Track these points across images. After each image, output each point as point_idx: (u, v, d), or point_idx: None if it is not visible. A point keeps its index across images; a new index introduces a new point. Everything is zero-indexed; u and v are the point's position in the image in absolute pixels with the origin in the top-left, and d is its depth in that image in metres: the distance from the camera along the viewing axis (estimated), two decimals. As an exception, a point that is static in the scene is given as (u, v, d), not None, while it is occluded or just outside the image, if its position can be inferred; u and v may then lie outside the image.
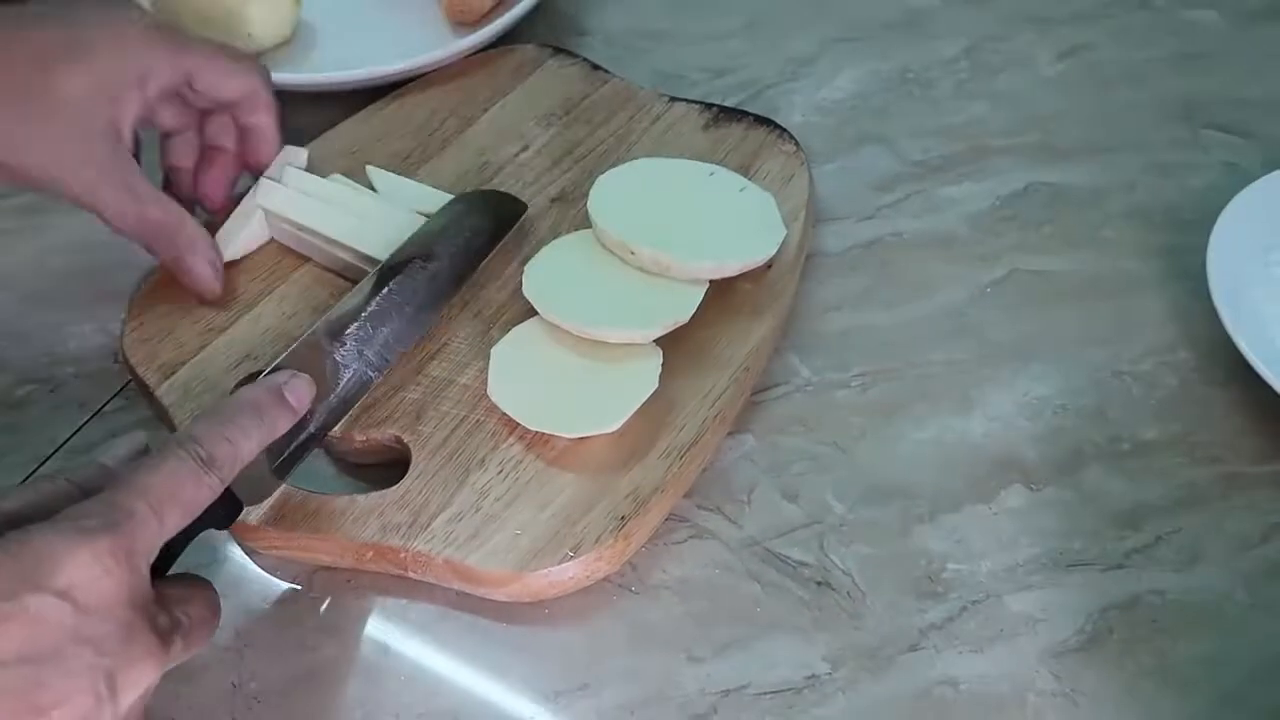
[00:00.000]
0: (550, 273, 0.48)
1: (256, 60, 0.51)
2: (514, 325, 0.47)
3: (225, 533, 0.43)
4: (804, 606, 0.42)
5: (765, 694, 0.40)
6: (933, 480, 0.46)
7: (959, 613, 0.42)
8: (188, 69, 0.47)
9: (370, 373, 0.45)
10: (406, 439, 0.44)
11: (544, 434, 0.44)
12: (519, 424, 0.44)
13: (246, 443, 0.36)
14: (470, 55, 0.62)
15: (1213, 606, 0.42)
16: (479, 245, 0.50)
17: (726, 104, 0.60)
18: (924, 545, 0.44)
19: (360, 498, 0.42)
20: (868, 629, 0.41)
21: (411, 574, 0.42)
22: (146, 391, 0.47)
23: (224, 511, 0.38)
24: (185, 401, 0.46)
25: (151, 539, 0.32)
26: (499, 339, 0.47)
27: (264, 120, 0.51)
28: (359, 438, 0.45)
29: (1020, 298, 0.52)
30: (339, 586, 0.43)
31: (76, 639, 0.29)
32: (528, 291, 0.47)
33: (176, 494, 0.33)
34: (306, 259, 0.51)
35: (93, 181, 0.45)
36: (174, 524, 0.33)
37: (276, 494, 0.42)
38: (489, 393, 0.45)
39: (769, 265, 0.50)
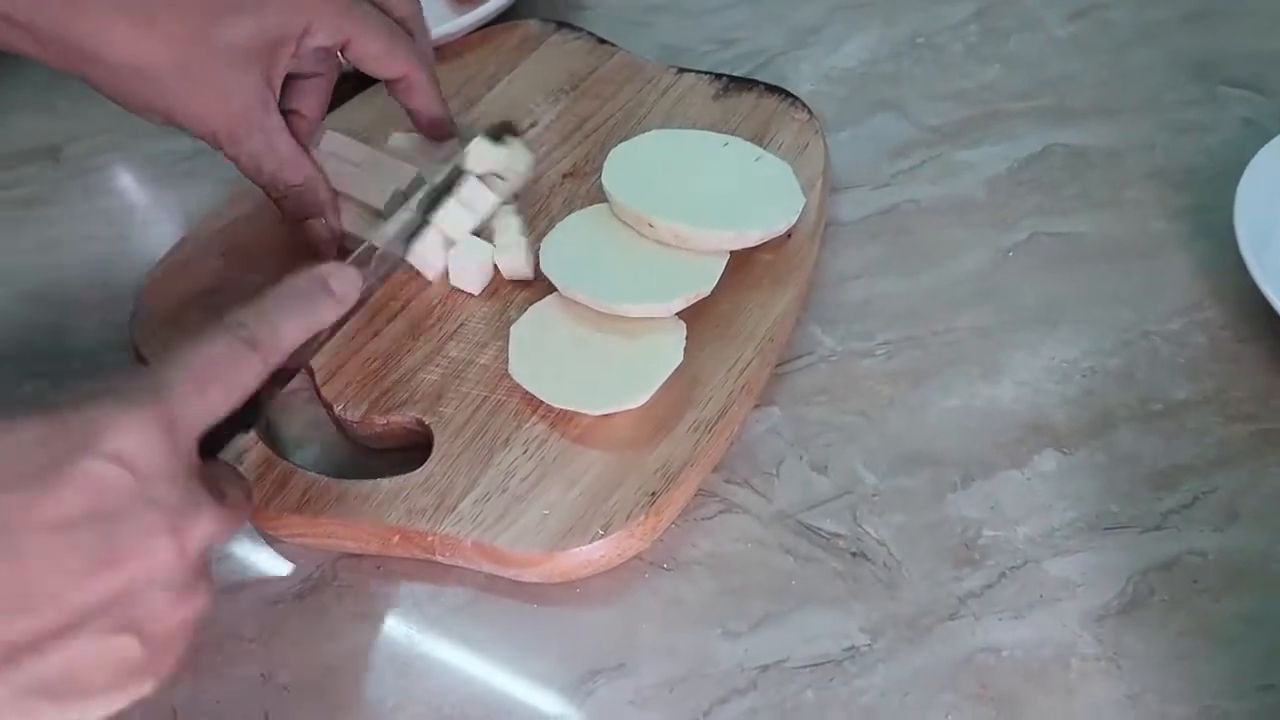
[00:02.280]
0: (567, 249, 0.47)
1: (416, 39, 0.49)
2: (531, 303, 0.47)
3: (250, 523, 0.42)
4: (839, 578, 0.41)
5: (805, 667, 0.39)
6: (963, 447, 0.45)
7: (997, 579, 0.41)
8: (347, 34, 0.46)
9: (376, 284, 0.45)
10: (428, 421, 0.44)
11: (568, 412, 0.43)
12: (542, 402, 0.43)
13: (289, 327, 0.36)
14: (473, 32, 0.61)
15: (1254, 564, 0.41)
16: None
17: (735, 74, 0.59)
18: (958, 512, 0.43)
19: (384, 482, 0.42)
20: (905, 599, 0.41)
21: (439, 558, 0.41)
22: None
23: (248, 416, 0.37)
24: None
25: (194, 412, 0.32)
26: (517, 318, 0.46)
27: (418, 104, 0.49)
28: (379, 421, 0.44)
29: (1043, 261, 0.52)
30: (366, 573, 0.42)
31: (137, 498, 0.30)
32: (545, 268, 0.46)
33: (219, 371, 0.33)
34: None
35: (237, 133, 0.45)
36: (217, 400, 0.33)
37: (298, 481, 0.41)
38: (510, 372, 0.44)
39: (789, 235, 0.49)
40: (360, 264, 0.42)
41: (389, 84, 0.49)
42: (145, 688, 0.31)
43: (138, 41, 0.42)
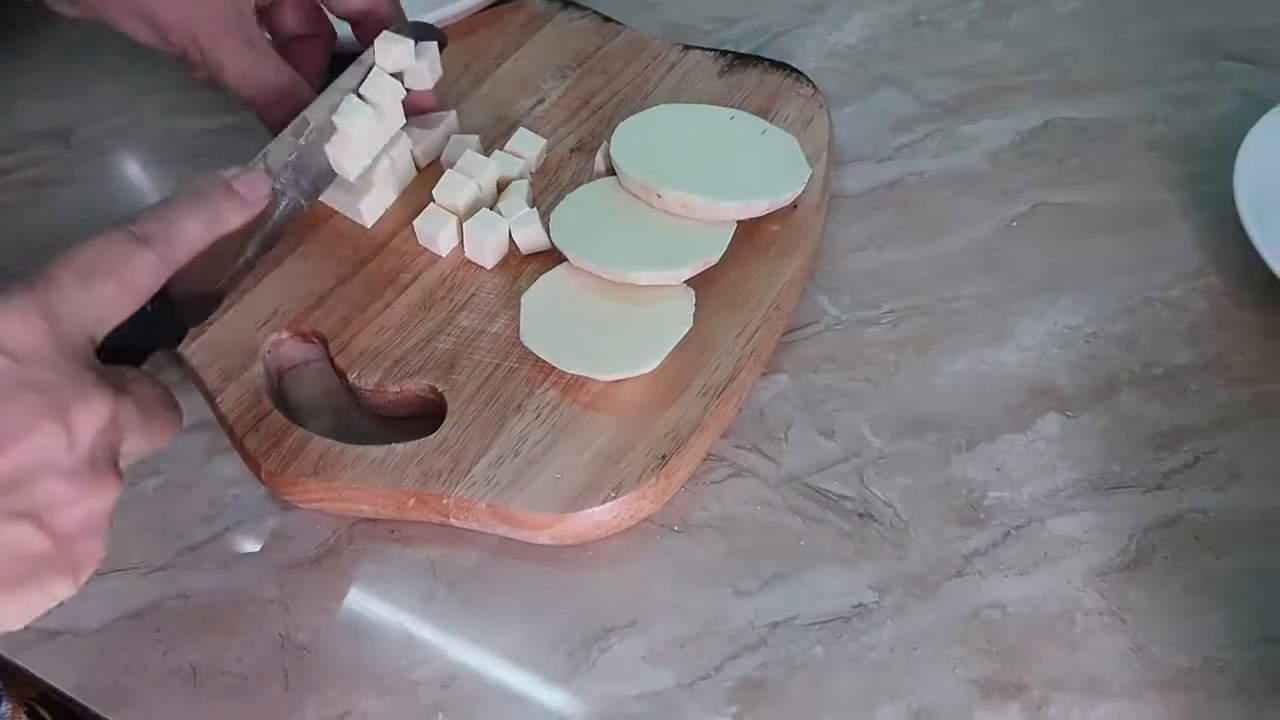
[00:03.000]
0: (577, 220, 0.48)
1: None
2: (541, 274, 0.47)
3: (267, 489, 0.43)
4: (847, 538, 0.42)
5: (814, 624, 0.40)
6: (969, 411, 0.46)
7: (1002, 538, 0.42)
8: None
9: (302, 201, 0.44)
10: (441, 388, 0.44)
11: (579, 378, 0.44)
12: (553, 369, 0.44)
13: (187, 223, 0.35)
14: (478, 12, 0.62)
15: (1254, 522, 0.42)
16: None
17: (740, 51, 0.59)
18: (964, 474, 0.44)
19: (399, 446, 0.42)
20: (912, 557, 0.41)
21: (454, 521, 0.42)
22: (174, 353, 0.47)
23: (169, 331, 0.37)
24: (214, 361, 0.45)
25: (78, 303, 0.31)
26: (527, 288, 0.47)
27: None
28: (392, 389, 0.45)
29: (1046, 231, 0.52)
30: (381, 538, 0.43)
31: (18, 383, 0.29)
32: (556, 239, 0.47)
33: (104, 263, 0.32)
34: (333, 213, 0.51)
35: (218, 36, 0.45)
36: (107, 294, 0.32)
37: (314, 446, 0.42)
38: (522, 338, 0.45)
39: (795, 205, 0.50)
40: (270, 169, 0.42)
41: (357, 27, 0.49)
42: (60, 588, 0.31)
43: None
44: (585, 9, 0.62)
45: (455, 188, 0.49)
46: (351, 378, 0.45)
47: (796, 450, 0.45)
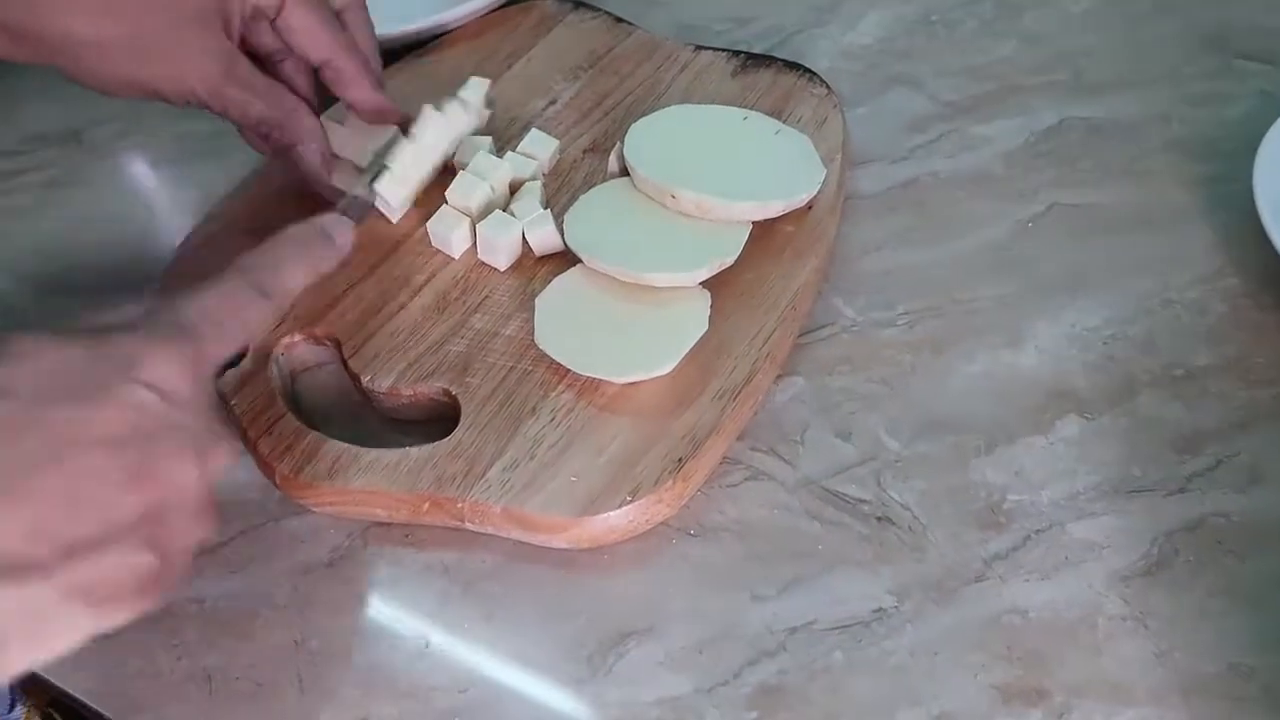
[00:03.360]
0: (591, 221, 0.47)
1: (351, 30, 0.50)
2: (554, 275, 0.47)
3: (280, 493, 0.43)
4: (865, 542, 0.42)
5: (833, 629, 0.39)
6: (987, 413, 0.45)
7: (1023, 542, 0.41)
8: None
9: None
10: (454, 391, 0.44)
11: (594, 380, 0.44)
12: (568, 371, 0.44)
13: (295, 273, 0.38)
14: (489, 13, 0.61)
15: (1278, 525, 0.41)
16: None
17: (753, 52, 0.59)
18: (982, 477, 0.43)
19: (413, 450, 0.42)
20: (931, 561, 0.41)
21: (469, 525, 0.42)
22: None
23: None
24: (228, 365, 0.45)
25: (215, 350, 0.34)
26: (541, 290, 0.46)
27: (349, 94, 0.50)
28: (406, 392, 0.45)
29: (1062, 232, 0.52)
30: (395, 542, 0.43)
31: (170, 424, 0.32)
32: (570, 241, 0.47)
33: (234, 312, 0.35)
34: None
35: (216, 86, 0.46)
36: (232, 339, 0.35)
37: (328, 450, 0.42)
38: (536, 340, 0.44)
39: (810, 206, 0.50)
40: (350, 214, 0.43)
41: (320, 73, 0.49)
42: (153, 603, 0.32)
43: (97, 18, 0.43)
44: (597, 10, 0.62)
45: (468, 189, 0.49)
46: (365, 381, 0.45)
47: (813, 453, 0.44)
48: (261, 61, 0.49)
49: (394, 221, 0.50)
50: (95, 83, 0.45)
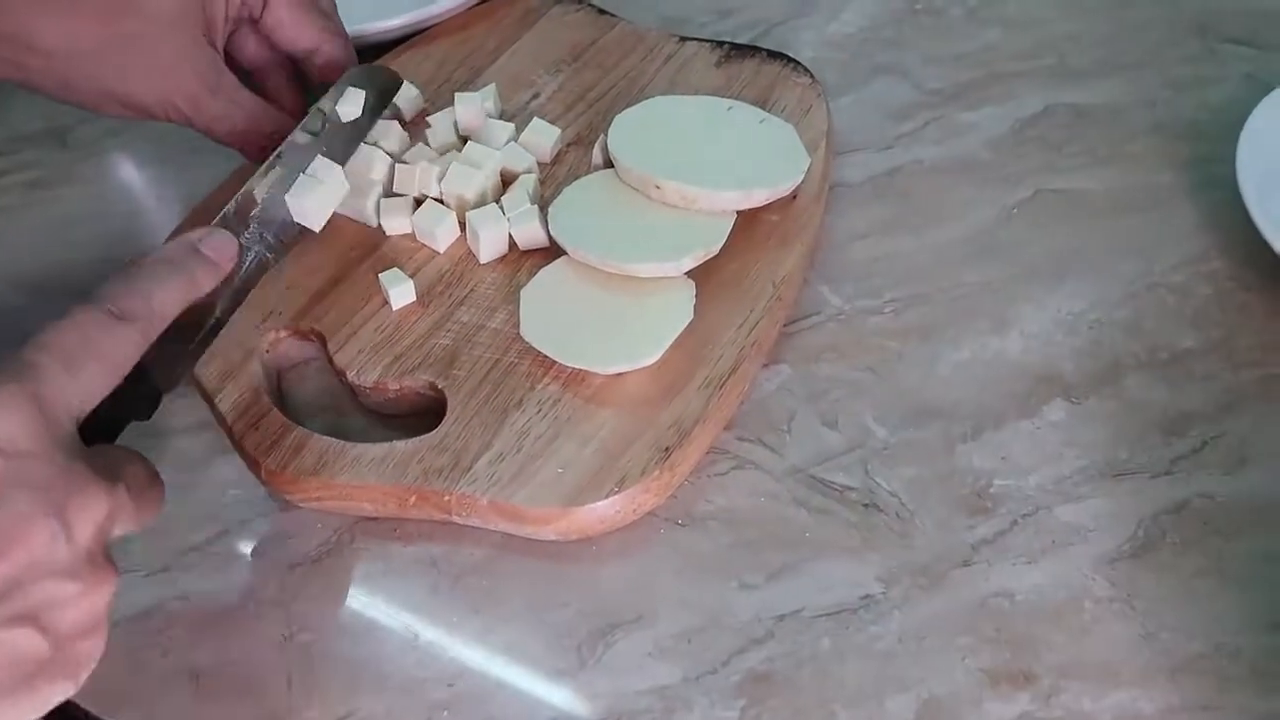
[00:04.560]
0: (575, 213, 0.47)
1: (336, 21, 0.49)
2: (540, 268, 0.47)
3: (267, 489, 0.43)
4: (853, 529, 0.42)
5: (821, 616, 0.39)
6: (973, 399, 0.45)
7: (1009, 527, 0.41)
8: None
9: (269, 255, 0.43)
10: (440, 384, 0.44)
11: (580, 372, 0.44)
12: (554, 363, 0.44)
13: (163, 295, 0.34)
14: (473, 7, 0.61)
15: (1263, 506, 0.41)
16: (363, 121, 0.49)
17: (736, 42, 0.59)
18: (969, 463, 0.43)
19: (399, 444, 0.42)
20: (919, 547, 0.41)
21: (456, 518, 0.41)
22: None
23: (144, 401, 0.36)
24: (212, 361, 0.45)
25: (63, 389, 0.31)
26: (526, 282, 0.46)
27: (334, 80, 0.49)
28: (392, 386, 0.44)
29: (1048, 217, 0.52)
30: (383, 536, 0.42)
31: (14, 482, 0.28)
32: (554, 232, 0.46)
33: (87, 347, 0.31)
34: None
35: (198, 97, 0.44)
36: (90, 377, 0.31)
37: (314, 445, 0.42)
38: (522, 333, 0.44)
39: (794, 195, 0.50)
40: (232, 224, 0.42)
41: (305, 64, 0.48)
42: (59, 691, 0.30)
43: (67, 24, 0.42)
44: (581, 3, 0.62)
45: (463, 179, 0.48)
46: (351, 375, 0.45)
47: (800, 441, 0.44)
48: (244, 77, 0.48)
49: (440, 252, 0.49)
50: (71, 96, 0.43)
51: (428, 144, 0.52)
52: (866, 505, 0.42)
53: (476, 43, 0.60)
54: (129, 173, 0.59)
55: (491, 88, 0.54)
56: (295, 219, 0.44)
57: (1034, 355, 0.46)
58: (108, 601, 0.31)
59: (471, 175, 0.49)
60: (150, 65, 0.43)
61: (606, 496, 0.40)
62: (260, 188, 0.44)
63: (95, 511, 0.30)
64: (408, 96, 0.54)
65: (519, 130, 0.52)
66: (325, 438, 0.42)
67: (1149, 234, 0.51)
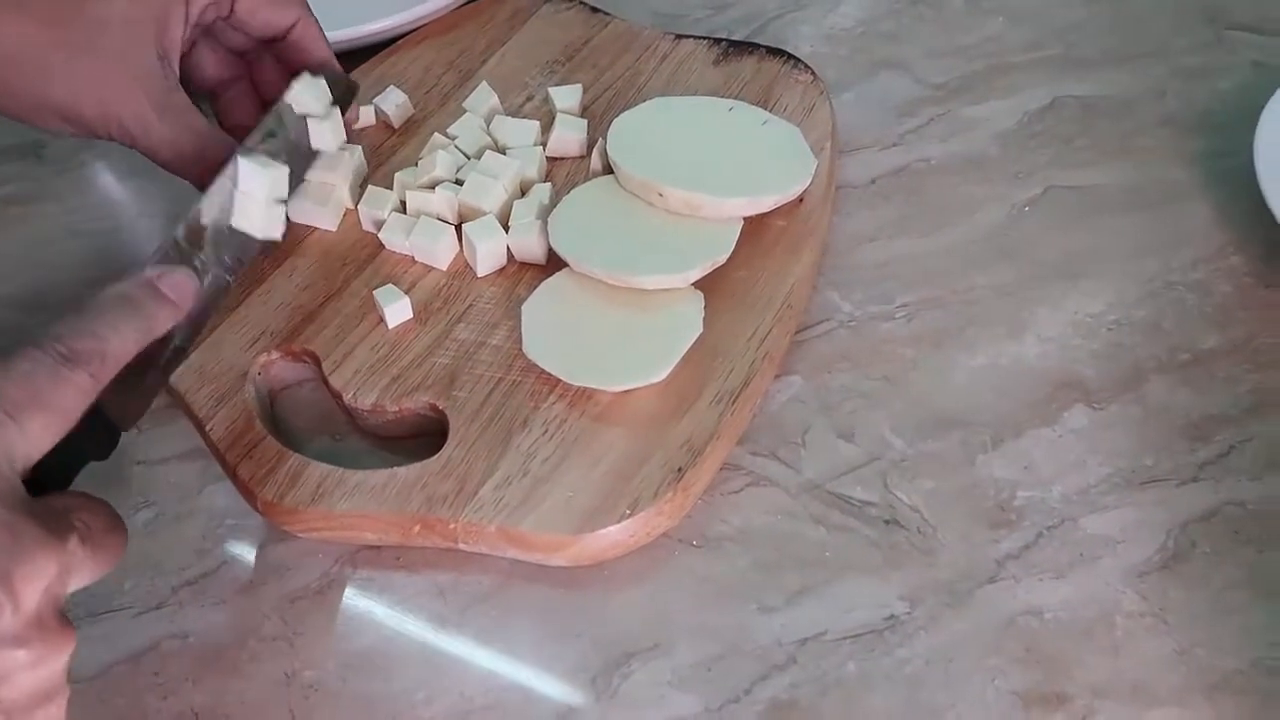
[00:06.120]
0: (576, 223, 0.46)
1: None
2: (540, 280, 0.45)
3: (263, 519, 0.41)
4: (874, 546, 0.40)
5: (845, 639, 0.38)
6: (992, 407, 0.44)
7: (1035, 540, 0.40)
8: None
9: (226, 276, 0.41)
10: (442, 406, 0.42)
11: (586, 389, 0.42)
12: (559, 381, 0.42)
13: (116, 338, 0.32)
14: (461, 6, 0.59)
15: (1295, 513, 0.40)
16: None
17: (734, 39, 0.57)
18: (991, 474, 0.42)
19: (401, 470, 0.40)
20: (943, 564, 0.40)
21: (462, 546, 0.40)
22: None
23: (101, 440, 0.35)
24: (202, 386, 0.43)
25: (8, 442, 0.29)
26: (526, 296, 0.45)
27: (316, 52, 0.46)
28: (391, 408, 0.43)
29: (1060, 214, 0.50)
30: (386, 565, 0.41)
31: None
32: (555, 244, 0.45)
33: (33, 394, 0.30)
34: (312, 229, 0.49)
35: (145, 116, 0.41)
36: (39, 427, 0.30)
37: (312, 473, 0.40)
38: (524, 350, 0.43)
39: (801, 199, 0.48)
40: (185, 250, 0.40)
41: (279, 43, 0.46)
42: None
43: (12, 26, 0.39)
44: (572, 0, 0.60)
45: (482, 190, 0.47)
46: (347, 398, 0.43)
47: (816, 455, 0.43)
48: (198, 102, 0.45)
49: (442, 270, 0.47)
50: (9, 105, 0.40)
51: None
52: (887, 521, 0.41)
53: (467, 43, 0.58)
54: (108, 187, 0.57)
55: (486, 86, 0.52)
56: (246, 231, 0.42)
57: (1052, 360, 0.45)
58: (64, 664, 0.29)
59: (489, 186, 0.47)
60: (97, 78, 0.40)
61: (618, 521, 0.39)
62: (208, 208, 0.41)
63: (43, 576, 0.28)
64: (395, 102, 0.53)
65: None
66: (323, 465, 0.41)
67: (1164, 230, 0.50)
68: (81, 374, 0.31)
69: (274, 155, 0.43)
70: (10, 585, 0.27)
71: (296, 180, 0.45)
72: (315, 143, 0.46)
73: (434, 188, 0.48)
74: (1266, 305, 0.46)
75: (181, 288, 0.36)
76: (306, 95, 0.45)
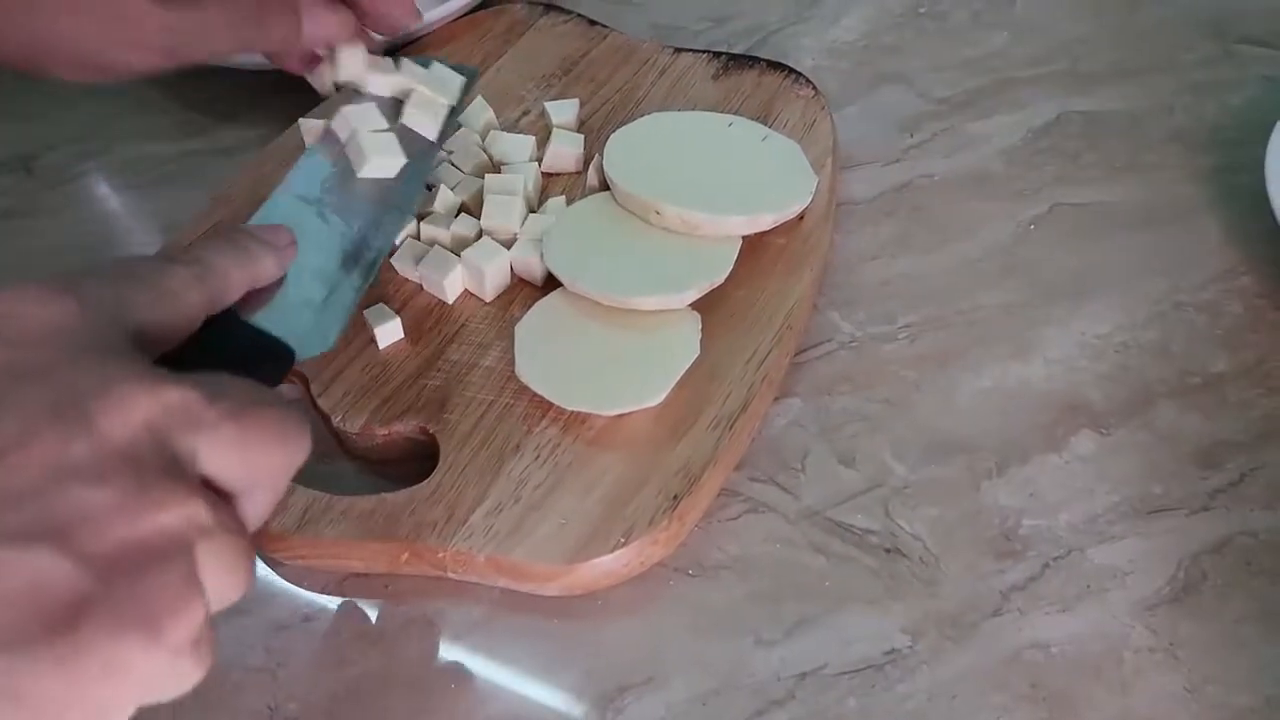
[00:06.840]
0: (570, 242, 0.45)
1: None
2: (534, 300, 0.44)
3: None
4: (875, 576, 0.39)
5: (845, 673, 0.37)
6: (996, 431, 0.43)
7: (1041, 571, 0.39)
8: None
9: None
10: (432, 429, 0.41)
11: (580, 414, 0.41)
12: (552, 405, 0.41)
13: (221, 258, 0.33)
14: (458, 18, 0.59)
15: (1309, 543, 0.39)
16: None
17: (734, 52, 0.56)
18: (995, 501, 0.41)
19: (389, 496, 0.39)
20: (945, 595, 0.39)
21: (452, 574, 0.39)
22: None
23: (275, 362, 0.35)
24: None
25: (110, 300, 0.28)
26: (520, 316, 0.44)
27: None
28: (380, 432, 0.42)
29: (1066, 232, 0.49)
30: (375, 593, 0.40)
31: (8, 370, 0.24)
32: (550, 264, 0.44)
33: (135, 273, 0.30)
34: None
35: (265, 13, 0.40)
36: (142, 298, 0.29)
37: (298, 499, 0.39)
38: (517, 373, 0.42)
39: (801, 217, 0.47)
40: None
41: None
42: (131, 647, 0.23)
43: None
44: (569, 13, 0.59)
45: (505, 210, 0.46)
46: (336, 421, 0.42)
47: (815, 481, 0.42)
48: None
49: (450, 302, 0.46)
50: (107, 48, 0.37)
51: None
52: (888, 550, 0.40)
53: (463, 55, 0.57)
54: (100, 201, 0.56)
55: (481, 100, 0.52)
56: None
57: (1058, 382, 0.44)
58: (180, 522, 0.24)
59: (511, 203, 0.46)
60: None
61: (613, 550, 0.38)
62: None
63: (140, 415, 0.25)
64: None
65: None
66: (309, 490, 0.40)
67: (1173, 249, 0.48)
68: (185, 270, 0.31)
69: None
70: (93, 421, 0.24)
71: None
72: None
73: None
74: (1277, 327, 0.45)
75: (277, 235, 0.36)
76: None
